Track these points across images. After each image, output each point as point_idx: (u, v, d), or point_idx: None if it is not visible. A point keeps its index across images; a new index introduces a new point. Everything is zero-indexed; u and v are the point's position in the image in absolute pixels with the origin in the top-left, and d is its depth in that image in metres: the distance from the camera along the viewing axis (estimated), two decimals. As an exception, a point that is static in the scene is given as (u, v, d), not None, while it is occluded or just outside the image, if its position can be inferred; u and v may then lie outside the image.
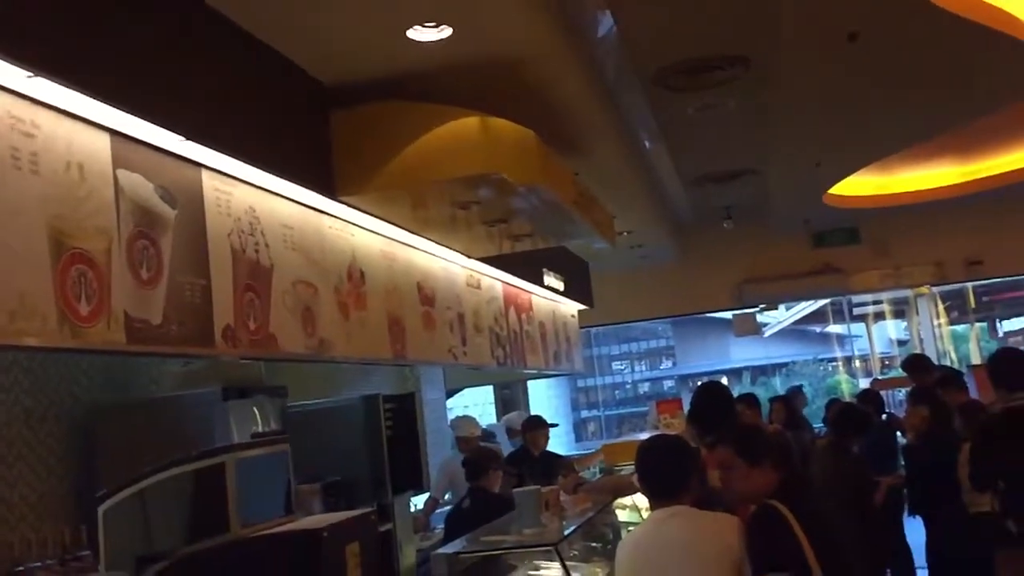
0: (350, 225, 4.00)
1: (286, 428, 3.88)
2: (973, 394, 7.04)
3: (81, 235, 2.37)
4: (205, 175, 2.99)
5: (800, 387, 12.28)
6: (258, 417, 3.73)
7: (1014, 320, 22.10)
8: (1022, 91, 5.61)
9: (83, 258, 2.36)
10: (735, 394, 7.24)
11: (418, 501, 6.87)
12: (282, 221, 3.43)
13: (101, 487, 3.04)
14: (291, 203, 3.52)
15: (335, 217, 3.87)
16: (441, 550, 3.67)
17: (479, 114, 3.67)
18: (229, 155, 2.94)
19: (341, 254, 3.89)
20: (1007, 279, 17.40)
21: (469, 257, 5.30)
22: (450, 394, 11.37)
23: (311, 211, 3.68)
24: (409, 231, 4.44)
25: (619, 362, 37.76)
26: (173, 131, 2.67)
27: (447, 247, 4.97)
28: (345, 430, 4.55)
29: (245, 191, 3.21)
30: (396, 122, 3.69)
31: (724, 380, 28.13)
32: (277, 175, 3.23)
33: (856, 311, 19.71)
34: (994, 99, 5.83)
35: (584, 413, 29.89)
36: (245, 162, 3.03)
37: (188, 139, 2.74)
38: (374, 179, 3.65)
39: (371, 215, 4.02)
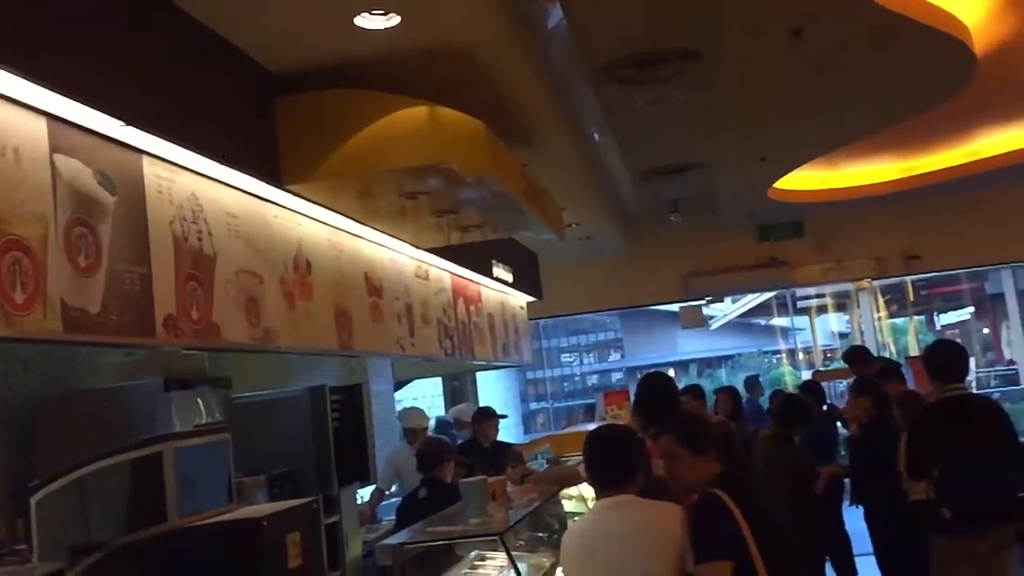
0: (296, 214, 3.96)
1: (230, 419, 3.84)
2: (911, 385, 7.23)
3: (16, 221, 2.31)
4: (146, 161, 2.93)
5: (757, 376, 12.56)
6: (201, 408, 3.68)
7: (951, 314, 22.69)
8: (960, 89, 5.74)
9: (18, 245, 2.30)
10: (682, 386, 7.36)
11: (364, 493, 6.84)
12: (226, 209, 3.38)
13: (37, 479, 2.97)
14: (236, 191, 3.47)
15: (281, 206, 3.82)
16: (386, 540, 3.66)
17: (428, 104, 3.65)
18: (171, 141, 2.89)
19: (287, 244, 3.84)
20: (944, 274, 17.91)
21: (417, 248, 5.28)
22: (399, 386, 11.33)
23: (256, 200, 3.63)
24: (357, 221, 4.40)
25: (568, 354, 37.98)
26: (112, 116, 2.61)
27: (395, 237, 4.94)
28: (291, 422, 4.52)
29: (188, 178, 3.15)
30: (344, 110, 3.65)
31: (671, 372, 28.48)
32: (221, 163, 3.18)
33: (800, 304, 20.08)
34: (933, 96, 5.95)
35: (533, 405, 30.00)
36: (187, 149, 2.98)
37: (128, 124, 2.69)
38: (321, 168, 3.62)
39: (318, 204, 3.97)
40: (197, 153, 3.04)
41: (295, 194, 3.72)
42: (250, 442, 4.01)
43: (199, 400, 3.68)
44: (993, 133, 8.05)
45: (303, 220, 4.02)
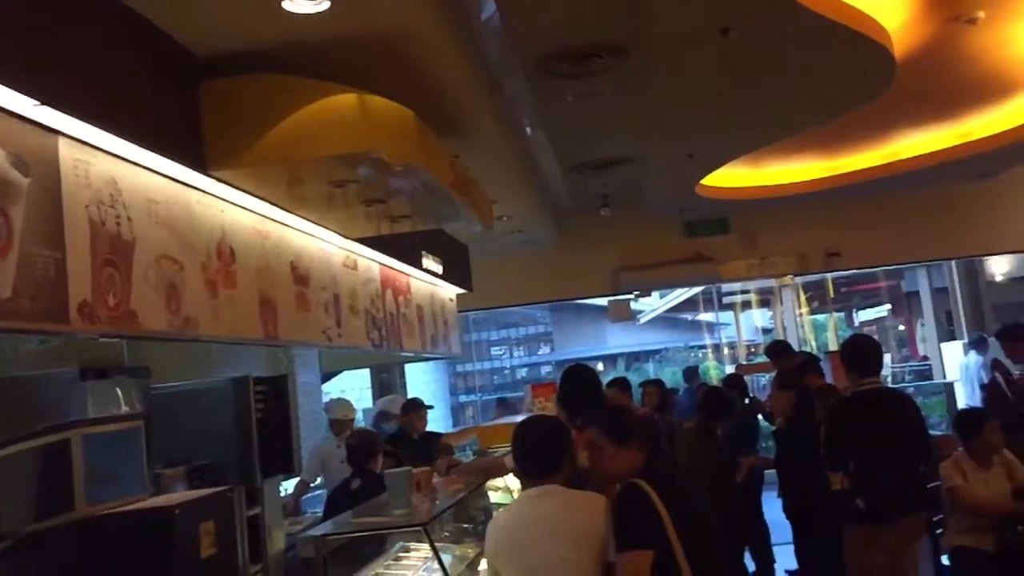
0: (221, 201, 3.87)
1: (150, 410, 3.73)
2: (829, 379, 7.44)
3: (-80, 201, 2.21)
4: (62, 143, 2.83)
5: (696, 368, 12.82)
6: (120, 398, 3.57)
7: (869, 311, 23.38)
8: (880, 91, 5.91)
9: (-78, 226, 2.21)
10: (611, 379, 7.45)
11: (289, 485, 6.75)
12: (147, 194, 3.29)
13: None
14: (158, 176, 3.38)
15: (205, 192, 3.74)
16: (308, 532, 3.61)
17: (357, 91, 3.61)
18: (88, 122, 2.80)
19: (210, 230, 3.76)
20: (863, 271, 18.44)
21: (346, 237, 5.22)
22: (327, 377, 11.21)
23: (179, 185, 3.54)
24: (283, 209, 4.33)
25: (498, 347, 38.05)
26: (26, 95, 2.52)
27: (323, 226, 4.88)
28: (213, 412, 4.42)
29: (107, 161, 3.06)
30: (271, 96, 3.59)
31: (600, 366, 28.76)
32: (141, 145, 3.10)
33: (725, 300, 20.45)
34: (854, 98, 6.12)
35: (462, 398, 29.98)
36: (106, 130, 2.89)
37: (43, 104, 2.59)
38: (246, 154, 3.55)
39: (244, 191, 3.90)
40: (116, 135, 2.95)
41: (220, 180, 3.64)
42: (171, 433, 3.91)
43: (117, 390, 3.57)
44: (911, 135, 8.32)
45: (228, 207, 3.93)
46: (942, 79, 6.60)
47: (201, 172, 3.51)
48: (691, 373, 11.92)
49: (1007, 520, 4.95)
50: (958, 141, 8.29)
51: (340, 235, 5.12)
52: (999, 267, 17.28)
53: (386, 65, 3.83)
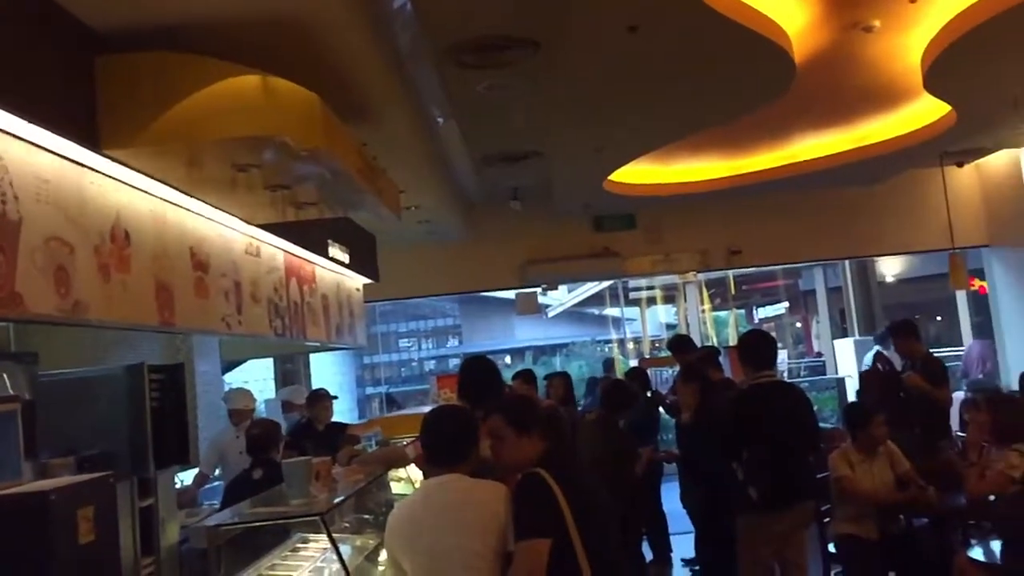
0: (116, 182, 3.73)
1: (36, 396, 3.59)
2: (729, 374, 7.65)
3: None
4: (-58, 116, 2.69)
5: (612, 360, 13.05)
6: (7, 384, 3.44)
7: (768, 308, 24.12)
8: (780, 93, 6.09)
9: None
10: (517, 371, 7.51)
11: (187, 477, 6.59)
12: (36, 172, 3.14)
13: None
14: (48, 154, 3.24)
15: (99, 172, 3.60)
16: (200, 522, 3.52)
17: (262, 73, 3.53)
18: (-29, 94, 2.67)
19: (104, 212, 3.62)
20: (762, 270, 19.02)
21: (249, 224, 5.11)
22: (229, 367, 10.96)
23: (71, 164, 3.39)
24: (183, 192, 4.20)
25: (406, 340, 37.89)
26: (-98, 63, 2.38)
27: (225, 211, 4.76)
28: (106, 401, 4.27)
29: (-9, 137, 2.91)
30: (171, 74, 3.48)
31: (508, 359, 28.91)
32: (30, 121, 2.95)
33: (631, 295, 20.80)
34: (756, 99, 6.29)
35: (369, 390, 29.73)
36: (-10, 104, 2.75)
37: (-79, 73, 2.46)
38: (144, 133, 3.43)
39: (141, 173, 3.77)
40: (1, 110, 2.81)
41: (115, 160, 3.51)
42: (61, 421, 3.78)
43: (4, 376, 3.43)
44: (809, 139, 8.61)
45: (124, 188, 3.79)
46: (839, 85, 6.84)
47: (95, 151, 3.38)
48: (609, 364, 12.22)
49: (890, 509, 5.19)
50: (852, 145, 8.61)
51: (243, 221, 5.00)
52: (890, 268, 18.08)
53: (292, 48, 3.76)
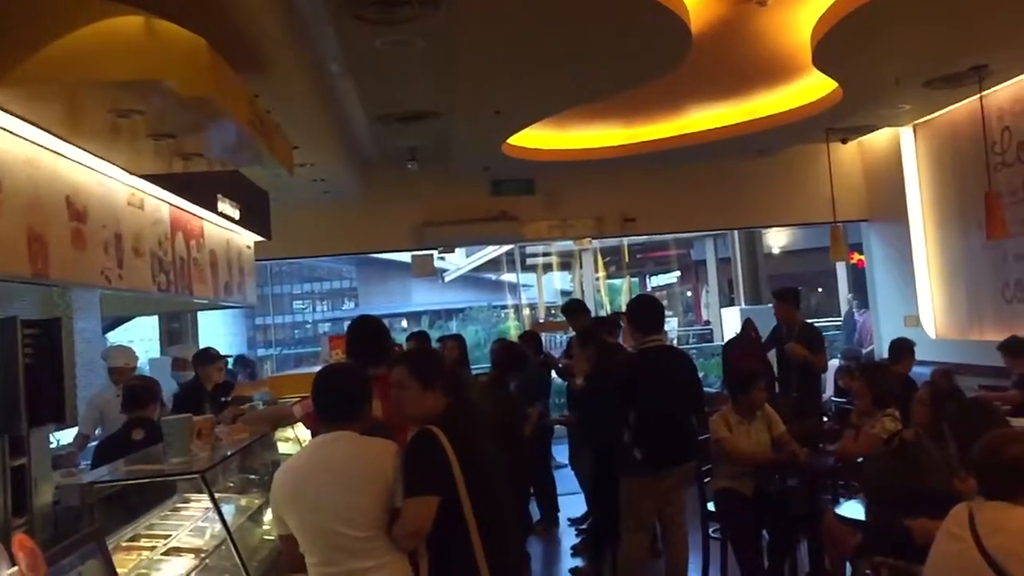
0: (-15, 124, 3.53)
1: None
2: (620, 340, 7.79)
3: None
4: None
5: (531, 331, 13.07)
6: None
7: (661, 277, 24.72)
8: (676, 63, 6.18)
9: None
10: (412, 332, 7.48)
11: (66, 437, 6.35)
12: None
13: None
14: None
15: (-35, 113, 3.39)
16: (73, 480, 3.40)
17: (145, 14, 3.37)
18: None
19: (-29, 155, 3.42)
20: (656, 239, 19.45)
21: (132, 174, 4.90)
22: (112, 326, 10.56)
23: (-67, 102, 3.19)
24: (59, 137, 4.00)
25: (301, 301, 37.27)
26: None
27: (106, 160, 4.55)
28: (-26, 356, 4.06)
29: None
30: (46, 10, 3.27)
31: (404, 323, 28.78)
32: None
33: (528, 262, 20.99)
34: (652, 68, 6.37)
35: (261, 351, 29.18)
36: None
37: None
38: (15, 71, 3.21)
39: (12, 115, 3.56)
40: None
41: (-17, 100, 3.32)
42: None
43: None
44: (703, 110, 8.78)
45: (-7, 131, 3.59)
46: (733, 57, 6.99)
47: (-40, 90, 3.18)
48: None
49: (766, 468, 5.42)
50: (743, 118, 8.83)
51: (125, 171, 4.80)
52: (776, 241, 18.76)
53: (179, -11, 3.59)
